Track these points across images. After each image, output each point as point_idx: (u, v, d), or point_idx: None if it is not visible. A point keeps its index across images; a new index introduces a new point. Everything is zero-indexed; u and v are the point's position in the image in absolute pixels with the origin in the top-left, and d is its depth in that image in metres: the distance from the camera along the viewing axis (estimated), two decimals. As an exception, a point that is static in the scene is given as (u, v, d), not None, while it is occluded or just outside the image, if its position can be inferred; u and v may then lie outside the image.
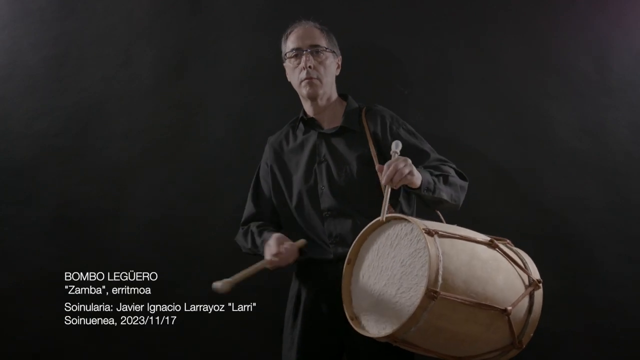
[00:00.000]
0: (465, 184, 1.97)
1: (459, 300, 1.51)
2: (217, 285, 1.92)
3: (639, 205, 2.65)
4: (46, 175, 2.72)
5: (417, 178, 1.77)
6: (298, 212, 2.01)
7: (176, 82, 2.75)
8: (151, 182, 2.71)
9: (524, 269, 1.65)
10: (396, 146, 1.79)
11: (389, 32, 2.72)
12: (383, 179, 1.71)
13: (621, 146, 2.67)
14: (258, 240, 2.03)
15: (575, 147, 2.67)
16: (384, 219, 1.69)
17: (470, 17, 2.72)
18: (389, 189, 1.71)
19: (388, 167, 1.70)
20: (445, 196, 1.86)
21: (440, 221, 1.90)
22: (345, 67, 2.15)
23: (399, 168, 1.70)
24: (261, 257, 1.99)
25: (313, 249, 1.96)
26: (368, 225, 1.73)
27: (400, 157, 1.74)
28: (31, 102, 2.75)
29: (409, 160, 1.74)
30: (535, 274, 1.66)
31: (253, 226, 2.09)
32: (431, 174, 1.86)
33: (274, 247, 1.90)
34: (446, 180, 1.89)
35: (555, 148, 2.68)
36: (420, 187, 1.79)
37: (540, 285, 1.64)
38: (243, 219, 2.16)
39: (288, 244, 1.90)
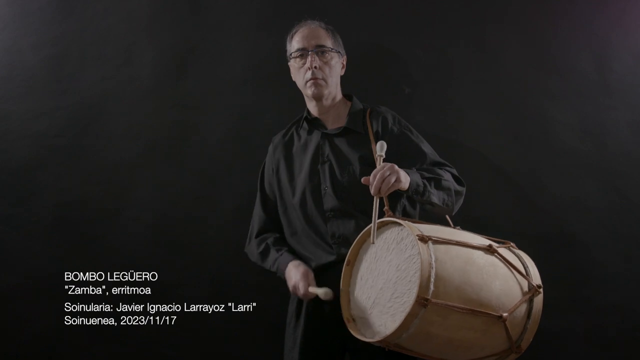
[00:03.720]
0: (462, 189, 1.97)
1: (451, 307, 1.50)
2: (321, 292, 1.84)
3: (639, 205, 2.65)
4: (46, 175, 2.72)
5: (406, 182, 1.77)
6: (302, 212, 2.01)
7: (176, 82, 2.75)
8: (151, 182, 2.71)
9: (524, 274, 1.64)
10: (381, 148, 1.79)
11: (389, 32, 2.72)
12: (371, 190, 1.70)
13: (621, 146, 2.67)
14: (273, 256, 2.03)
15: (575, 147, 2.67)
16: (374, 242, 1.69)
17: (470, 18, 2.71)
18: (378, 201, 1.71)
19: (374, 178, 1.70)
20: (435, 199, 1.86)
21: (447, 223, 1.90)
22: (346, 67, 2.15)
23: (385, 177, 1.69)
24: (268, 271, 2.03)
25: (315, 250, 1.96)
26: (367, 227, 1.73)
27: (386, 164, 1.74)
28: (31, 102, 2.74)
29: (395, 166, 1.74)
30: (536, 280, 1.65)
31: (269, 239, 2.08)
32: (422, 176, 1.85)
33: (302, 289, 1.88)
34: (438, 184, 1.88)
35: (555, 148, 2.67)
36: (408, 190, 1.79)
37: (541, 290, 1.63)
38: (257, 230, 2.14)
39: (311, 289, 1.88)
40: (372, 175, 1.72)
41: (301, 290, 1.89)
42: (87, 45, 2.76)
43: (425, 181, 1.85)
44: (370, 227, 1.72)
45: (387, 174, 1.70)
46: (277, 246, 2.05)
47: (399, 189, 1.78)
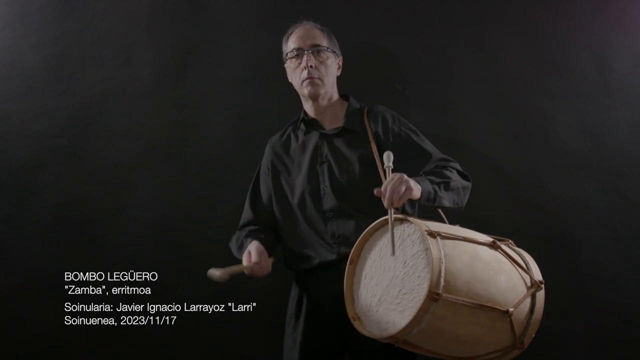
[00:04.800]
0: (469, 184, 1.95)
1: (460, 302, 1.50)
2: (216, 273, 1.88)
3: (639, 205, 2.65)
4: (46, 175, 2.72)
5: (417, 190, 1.75)
6: (301, 213, 2.01)
7: (176, 82, 2.75)
8: (151, 182, 2.71)
9: (526, 270, 1.65)
10: (388, 159, 1.77)
11: (389, 32, 2.72)
12: (384, 203, 1.70)
13: (621, 146, 2.67)
14: (240, 243, 2.05)
15: (575, 147, 2.67)
16: (395, 254, 1.66)
17: (470, 18, 2.72)
18: (393, 213, 1.68)
19: (385, 190, 1.69)
20: (446, 203, 1.85)
21: (443, 221, 1.90)
22: (345, 67, 2.15)
23: (395, 189, 1.69)
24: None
25: (316, 250, 1.96)
26: (371, 225, 1.73)
27: (396, 174, 1.72)
28: (31, 102, 2.75)
29: (404, 176, 1.72)
30: (537, 275, 1.66)
31: (244, 231, 2.09)
32: (431, 181, 1.84)
33: (255, 256, 1.91)
34: (447, 187, 1.87)
35: (555, 148, 2.68)
36: (420, 198, 1.79)
37: (542, 286, 1.64)
38: (240, 224, 2.15)
39: (264, 257, 1.91)
40: (382, 187, 1.70)
41: (254, 257, 1.91)
42: (87, 45, 2.77)
43: (435, 187, 1.84)
44: (374, 224, 1.71)
45: (397, 184, 1.70)
46: (249, 237, 2.05)
47: (411, 198, 1.78)
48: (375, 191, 1.73)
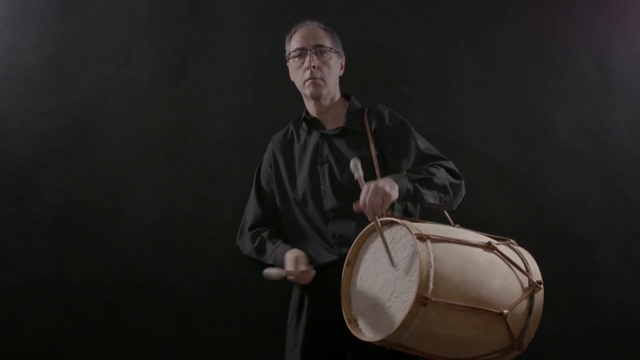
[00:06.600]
0: (459, 182, 1.92)
1: (451, 305, 1.50)
2: (273, 272, 1.85)
3: (639, 205, 2.65)
4: (46, 175, 2.71)
5: (395, 192, 1.73)
6: (302, 212, 2.01)
7: (176, 82, 2.75)
8: (151, 182, 2.71)
9: (524, 270, 1.63)
10: (355, 168, 1.74)
11: (389, 32, 2.72)
12: (368, 217, 1.68)
13: (621, 146, 2.67)
14: (270, 248, 2.02)
15: (575, 147, 2.67)
16: (395, 264, 1.63)
17: (470, 18, 2.72)
18: (380, 224, 1.66)
19: (364, 206, 1.67)
20: (431, 200, 1.83)
21: (447, 220, 1.89)
22: (346, 67, 2.15)
23: (373, 202, 1.66)
24: (263, 264, 2.01)
25: (317, 250, 1.96)
26: (367, 226, 1.73)
27: (370, 185, 1.69)
28: (31, 102, 2.74)
29: (379, 184, 1.69)
30: (536, 276, 1.64)
31: (264, 233, 2.07)
32: (410, 178, 1.81)
33: (303, 265, 1.89)
34: (430, 184, 1.84)
35: (555, 148, 2.68)
36: (398, 196, 1.77)
37: (541, 286, 1.63)
38: (250, 223, 2.13)
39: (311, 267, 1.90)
40: (361, 202, 1.68)
41: (303, 266, 1.89)
42: (87, 45, 2.76)
43: (415, 184, 1.81)
44: (369, 226, 1.71)
45: (373, 198, 1.66)
46: (272, 239, 2.04)
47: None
48: (355, 208, 1.70)
